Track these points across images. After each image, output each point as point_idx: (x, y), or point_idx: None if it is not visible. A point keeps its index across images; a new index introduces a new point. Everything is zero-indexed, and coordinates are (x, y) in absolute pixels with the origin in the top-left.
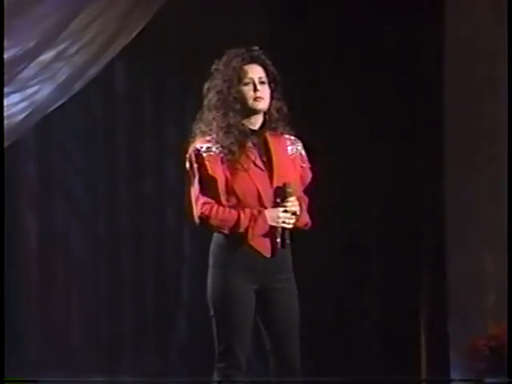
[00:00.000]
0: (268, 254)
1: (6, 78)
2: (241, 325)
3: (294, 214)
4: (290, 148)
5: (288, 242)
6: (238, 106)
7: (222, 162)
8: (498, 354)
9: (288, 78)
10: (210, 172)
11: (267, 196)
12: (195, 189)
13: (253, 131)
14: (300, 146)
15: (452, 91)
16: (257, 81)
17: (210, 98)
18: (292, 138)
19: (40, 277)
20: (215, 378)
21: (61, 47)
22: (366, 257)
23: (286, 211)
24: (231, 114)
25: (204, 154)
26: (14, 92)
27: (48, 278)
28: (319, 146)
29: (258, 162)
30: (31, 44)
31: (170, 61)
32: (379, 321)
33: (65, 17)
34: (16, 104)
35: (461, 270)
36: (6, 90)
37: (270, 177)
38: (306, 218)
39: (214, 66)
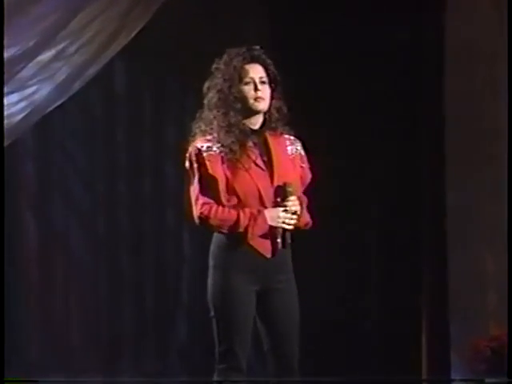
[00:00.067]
0: (268, 255)
1: (5, 77)
2: (241, 325)
3: (294, 213)
4: (289, 148)
5: (289, 241)
6: (238, 106)
7: (223, 162)
8: (500, 354)
9: (288, 78)
10: (210, 171)
11: (268, 196)
12: (195, 188)
13: (253, 131)
14: (299, 146)
15: (452, 91)
16: (257, 80)
17: (211, 97)
18: (291, 137)
19: (40, 277)
20: (215, 378)
21: (60, 47)
22: (366, 257)
23: (286, 211)
24: (232, 113)
25: (204, 154)
26: (13, 92)
27: (48, 278)
28: (319, 146)
29: (259, 162)
30: (30, 43)
31: (169, 60)
32: (379, 321)
33: (64, 16)
34: (15, 104)
35: (461, 270)
36: (5, 89)
37: (271, 176)
38: (306, 218)
39: (214, 65)
